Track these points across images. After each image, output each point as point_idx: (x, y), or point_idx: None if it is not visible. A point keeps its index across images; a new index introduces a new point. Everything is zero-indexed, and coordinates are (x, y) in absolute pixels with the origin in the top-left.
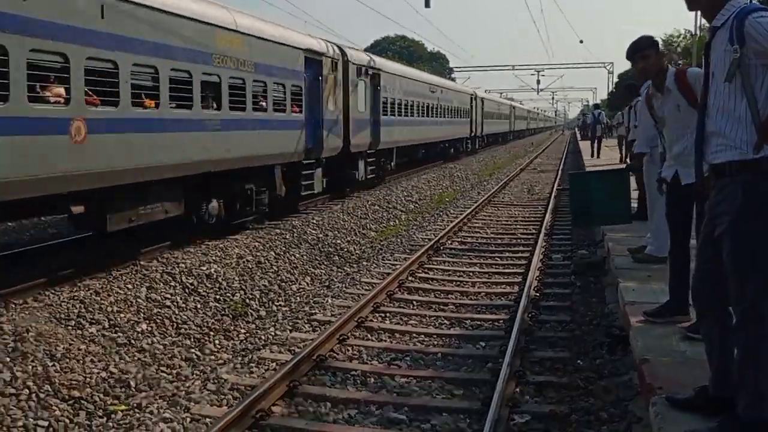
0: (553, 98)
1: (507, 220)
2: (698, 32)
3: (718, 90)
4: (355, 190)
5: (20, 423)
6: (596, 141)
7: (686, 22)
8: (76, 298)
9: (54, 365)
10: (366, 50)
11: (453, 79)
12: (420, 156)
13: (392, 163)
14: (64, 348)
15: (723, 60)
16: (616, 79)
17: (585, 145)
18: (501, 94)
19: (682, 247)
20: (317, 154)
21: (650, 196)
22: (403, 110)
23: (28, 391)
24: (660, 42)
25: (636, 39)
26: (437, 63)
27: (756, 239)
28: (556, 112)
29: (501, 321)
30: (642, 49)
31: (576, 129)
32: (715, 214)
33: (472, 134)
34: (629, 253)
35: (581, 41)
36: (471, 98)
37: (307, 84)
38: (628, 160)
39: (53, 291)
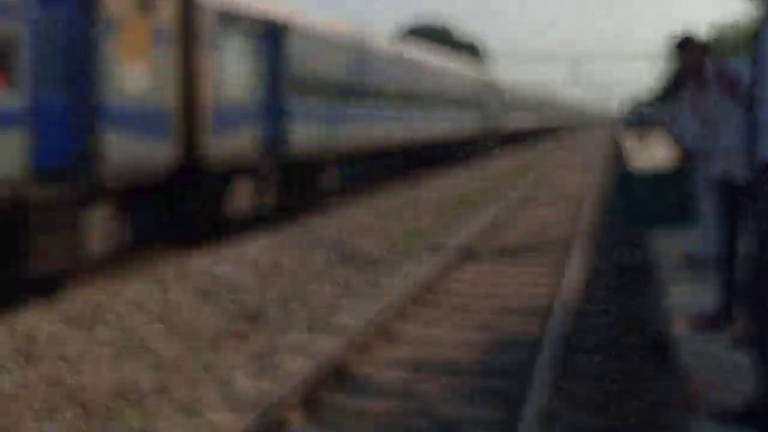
0: (595, 91)
1: (542, 221)
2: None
3: None
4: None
5: (31, 427)
6: (641, 136)
7: (737, 11)
8: (88, 300)
9: (65, 368)
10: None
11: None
12: (392, 167)
13: (329, 182)
14: (76, 351)
15: None
16: (664, 74)
17: (631, 143)
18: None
19: (730, 250)
20: (74, 183)
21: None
22: (325, 93)
23: (39, 394)
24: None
25: (675, 35)
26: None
27: None
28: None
29: (536, 326)
30: (683, 47)
31: (622, 124)
32: None
33: (489, 131)
34: (678, 256)
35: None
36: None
37: (42, 26)
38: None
39: (65, 292)
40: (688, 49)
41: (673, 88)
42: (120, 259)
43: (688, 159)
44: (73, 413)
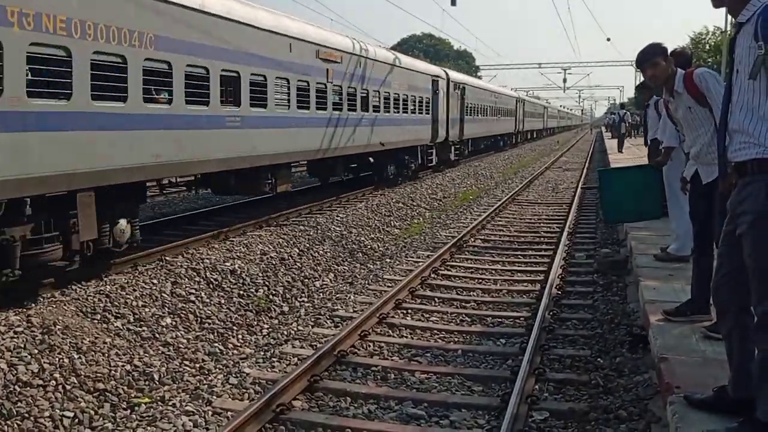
0: (579, 96)
1: (531, 218)
2: (728, 29)
3: (742, 87)
4: (381, 187)
5: (47, 414)
6: (621, 138)
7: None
8: (102, 292)
9: (80, 358)
10: (392, 48)
11: (479, 77)
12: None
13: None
14: (89, 341)
15: (747, 56)
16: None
17: (611, 144)
18: (527, 92)
19: (705, 246)
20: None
21: (670, 195)
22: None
23: (54, 382)
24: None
25: (644, 48)
26: (463, 61)
27: None
28: (582, 110)
29: (522, 318)
30: (650, 58)
31: (603, 127)
32: (737, 212)
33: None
34: (654, 252)
35: (608, 39)
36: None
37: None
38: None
39: (80, 285)
40: (656, 60)
41: (641, 92)
42: (134, 254)
43: (663, 155)
44: (86, 400)
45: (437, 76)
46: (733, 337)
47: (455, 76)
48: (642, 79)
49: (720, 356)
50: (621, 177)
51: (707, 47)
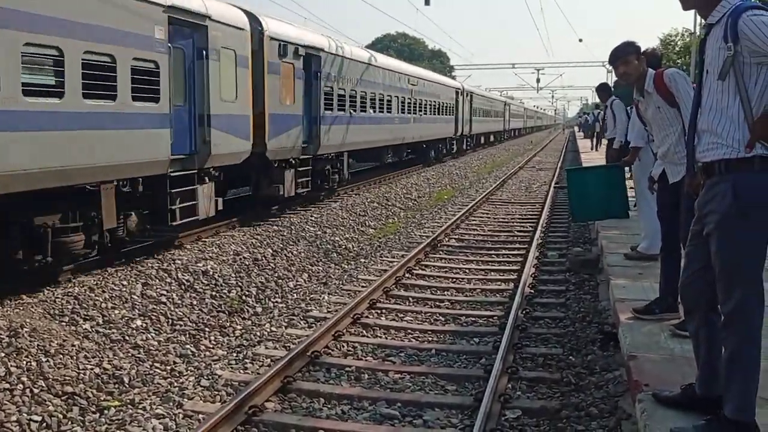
0: (552, 97)
1: (504, 218)
2: (697, 30)
3: (711, 88)
4: (340, 188)
5: (14, 418)
6: (595, 137)
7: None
8: (70, 294)
9: (48, 361)
10: (367, 47)
11: (454, 77)
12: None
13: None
14: (58, 344)
15: (717, 58)
16: (614, 78)
17: (584, 144)
18: (501, 92)
19: (673, 245)
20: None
21: (639, 194)
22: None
23: (22, 386)
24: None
25: (617, 45)
26: (438, 61)
27: (743, 240)
28: (555, 110)
29: (495, 317)
30: (623, 56)
31: (576, 127)
32: (704, 212)
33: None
34: (624, 250)
35: (580, 40)
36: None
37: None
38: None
39: (48, 287)
40: (628, 58)
41: (600, 92)
42: (104, 255)
43: (630, 155)
44: (54, 404)
45: (195, 16)
46: (700, 336)
47: (283, 30)
48: (615, 79)
49: (688, 354)
50: (588, 176)
51: (676, 49)
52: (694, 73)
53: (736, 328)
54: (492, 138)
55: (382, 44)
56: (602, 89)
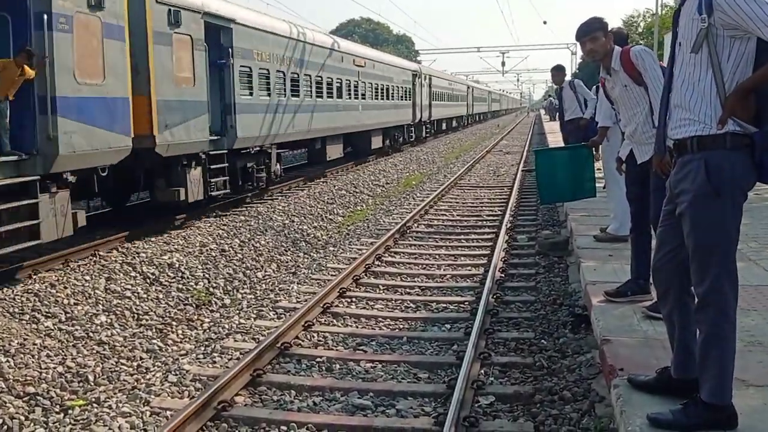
0: (518, 80)
1: (473, 202)
2: (660, 11)
3: (684, 60)
4: (320, 176)
5: None
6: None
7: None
8: (30, 291)
9: (8, 361)
10: (331, 33)
11: (419, 62)
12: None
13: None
14: (18, 343)
15: (690, 29)
16: (579, 60)
17: (550, 126)
18: (467, 75)
19: (642, 226)
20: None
21: (607, 175)
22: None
23: None
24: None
25: (585, 21)
26: (403, 45)
27: (717, 218)
28: (521, 93)
29: (467, 303)
30: (591, 32)
31: (541, 110)
32: (675, 191)
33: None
34: (594, 232)
35: (545, 22)
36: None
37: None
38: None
39: (6, 285)
40: (596, 35)
41: (555, 73)
42: (64, 249)
43: (598, 135)
44: (15, 406)
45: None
46: (674, 318)
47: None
48: (579, 61)
49: (661, 336)
50: (555, 157)
51: (639, 30)
52: (657, 54)
53: (711, 309)
54: (455, 123)
55: (347, 30)
56: (557, 69)
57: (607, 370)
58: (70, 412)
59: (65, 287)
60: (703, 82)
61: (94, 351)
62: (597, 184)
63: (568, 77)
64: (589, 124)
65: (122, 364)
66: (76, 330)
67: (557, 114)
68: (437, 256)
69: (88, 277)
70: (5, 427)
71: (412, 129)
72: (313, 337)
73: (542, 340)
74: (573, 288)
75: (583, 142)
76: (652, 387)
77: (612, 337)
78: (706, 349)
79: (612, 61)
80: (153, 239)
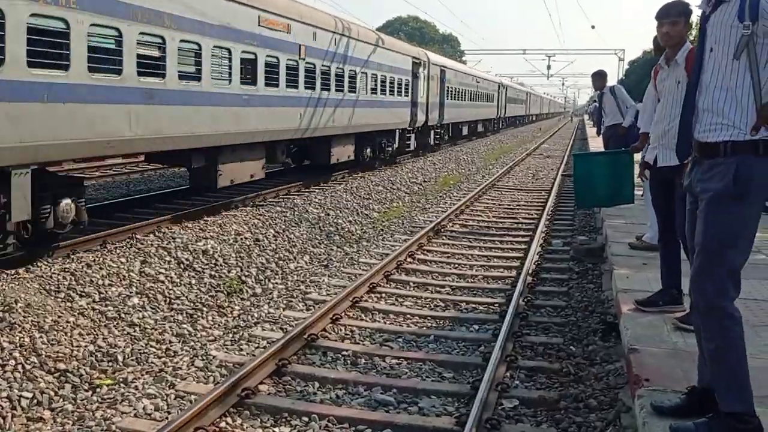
0: (563, 84)
1: (510, 204)
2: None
3: (718, 67)
4: (359, 171)
5: (4, 394)
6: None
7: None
8: (67, 270)
9: (41, 337)
10: (377, 29)
11: (464, 62)
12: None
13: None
14: (52, 320)
15: (728, 36)
16: (626, 66)
17: (593, 132)
18: (511, 78)
19: (671, 234)
20: (413, 124)
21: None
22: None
23: (14, 362)
24: None
25: (670, 2)
26: (449, 45)
27: (733, 220)
28: (565, 98)
29: (496, 304)
30: (673, 15)
31: (585, 115)
32: (698, 190)
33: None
34: (629, 240)
35: (593, 27)
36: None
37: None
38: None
39: (45, 262)
40: (677, 19)
41: (595, 79)
42: (102, 230)
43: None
44: (46, 381)
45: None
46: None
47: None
48: (626, 68)
49: (691, 348)
50: (594, 161)
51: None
52: None
53: (716, 313)
54: (480, 128)
55: (393, 27)
56: (598, 74)
57: (632, 379)
58: (98, 390)
59: (101, 268)
60: (740, 90)
61: (125, 332)
62: (636, 191)
63: (612, 83)
64: (629, 131)
65: (151, 346)
66: (109, 311)
67: (598, 119)
68: (470, 257)
69: (123, 260)
70: (36, 401)
71: (410, 135)
72: (341, 330)
73: (571, 346)
74: (606, 296)
75: (624, 148)
76: (680, 409)
77: (640, 346)
78: (718, 355)
79: (678, 53)
80: (189, 225)
